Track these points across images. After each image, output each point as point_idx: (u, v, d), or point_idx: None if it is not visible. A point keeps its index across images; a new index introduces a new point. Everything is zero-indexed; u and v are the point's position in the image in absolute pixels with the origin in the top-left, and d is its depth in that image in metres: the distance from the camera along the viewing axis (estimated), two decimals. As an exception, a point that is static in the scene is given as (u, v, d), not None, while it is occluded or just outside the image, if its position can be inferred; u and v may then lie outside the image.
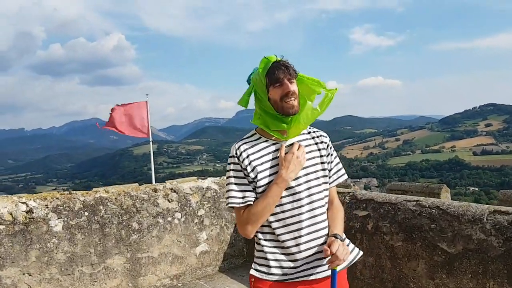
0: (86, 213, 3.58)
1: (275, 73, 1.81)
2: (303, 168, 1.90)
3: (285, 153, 1.88)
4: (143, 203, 3.99)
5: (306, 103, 1.91)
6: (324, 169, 1.97)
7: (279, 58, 1.92)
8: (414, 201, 3.27)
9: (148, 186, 4.23)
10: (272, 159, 1.90)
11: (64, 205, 3.48)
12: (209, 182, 4.67)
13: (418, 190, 9.55)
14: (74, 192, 3.65)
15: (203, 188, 4.53)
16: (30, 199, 3.37)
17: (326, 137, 2.07)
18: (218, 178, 4.88)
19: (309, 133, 2.06)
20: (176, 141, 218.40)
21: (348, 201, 3.86)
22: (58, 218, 3.41)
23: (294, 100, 1.83)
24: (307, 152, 1.93)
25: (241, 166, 1.90)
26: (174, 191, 4.28)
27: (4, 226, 3.14)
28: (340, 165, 2.09)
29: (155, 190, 4.17)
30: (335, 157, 2.08)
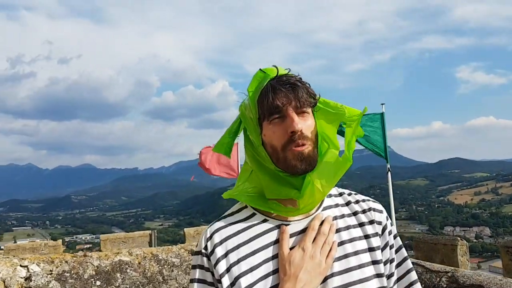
0: (98, 282, 2.92)
1: (272, 96, 1.08)
2: (330, 277, 1.09)
3: (291, 248, 1.10)
4: (172, 270, 3.24)
5: (329, 150, 1.16)
6: (378, 275, 1.11)
7: (283, 71, 1.15)
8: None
9: (184, 247, 3.49)
10: (273, 258, 1.10)
11: (72, 272, 2.87)
12: None
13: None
14: (89, 254, 3.04)
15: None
16: (34, 262, 2.82)
17: (381, 211, 1.22)
18: None
19: (347, 203, 1.23)
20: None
21: (445, 286, 2.71)
22: (62, 288, 2.80)
23: (306, 145, 1.09)
24: (341, 243, 1.13)
25: (212, 275, 1.11)
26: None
27: (-8, 297, 2.60)
28: (409, 263, 1.21)
29: (192, 252, 3.41)
30: (400, 250, 1.21)
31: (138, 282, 3.06)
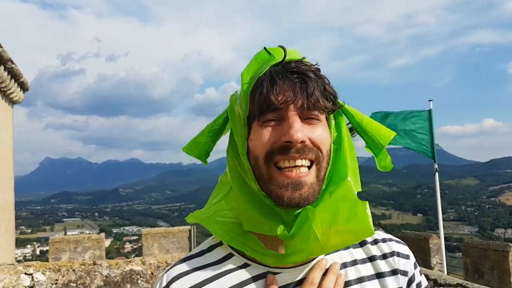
0: (106, 294, 2.73)
1: (267, 87, 0.75)
2: None
3: None
4: (187, 282, 3.00)
5: (344, 184, 0.80)
6: None
7: (293, 54, 0.80)
8: None
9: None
10: None
11: (79, 282, 2.68)
12: None
13: None
14: (100, 262, 2.85)
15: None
16: (39, 270, 2.65)
17: (407, 256, 0.88)
18: None
19: (362, 243, 0.89)
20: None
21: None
22: (67, 300, 2.62)
23: (306, 166, 0.76)
24: None
25: None
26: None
27: (-8, 308, 2.46)
28: None
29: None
30: None
31: (149, 295, 2.84)
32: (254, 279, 0.81)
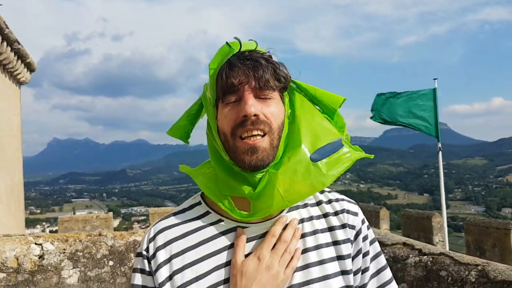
0: (111, 262, 2.90)
1: (226, 73, 0.92)
2: None
3: (247, 256, 0.95)
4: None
5: (298, 150, 0.96)
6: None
7: (248, 46, 0.96)
8: None
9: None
10: (226, 265, 0.95)
11: (85, 251, 2.85)
12: None
13: None
14: (105, 234, 3.01)
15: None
16: (48, 240, 2.82)
17: (355, 213, 1.05)
18: None
19: (318, 203, 1.06)
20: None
21: (473, 280, 2.43)
22: (74, 268, 2.79)
23: (261, 135, 0.92)
24: (305, 250, 0.97)
25: (153, 282, 0.96)
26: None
27: (5, 275, 2.62)
28: (387, 274, 1.04)
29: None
30: (376, 258, 1.04)
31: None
32: (226, 232, 0.97)
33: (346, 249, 0.98)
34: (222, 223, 0.98)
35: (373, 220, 11.23)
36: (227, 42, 0.97)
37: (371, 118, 7.52)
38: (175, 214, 1.03)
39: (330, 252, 0.97)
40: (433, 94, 7.29)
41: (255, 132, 0.90)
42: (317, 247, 0.97)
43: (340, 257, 0.97)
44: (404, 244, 2.74)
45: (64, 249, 2.81)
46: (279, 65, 0.96)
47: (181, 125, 1.07)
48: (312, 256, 0.96)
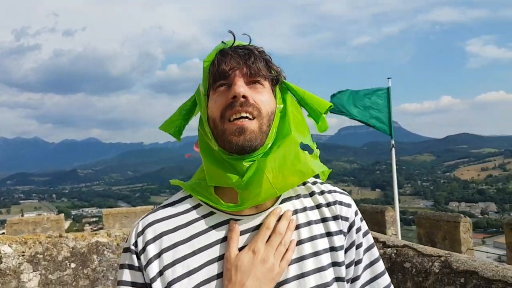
0: (73, 265, 2.79)
1: (218, 59, 0.94)
2: (283, 283, 0.92)
3: (241, 249, 0.92)
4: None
5: (288, 138, 0.96)
6: (338, 279, 0.95)
7: (241, 43, 0.98)
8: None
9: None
10: (219, 259, 0.92)
11: (46, 253, 2.73)
12: None
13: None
14: (66, 235, 2.90)
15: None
16: (6, 243, 2.68)
17: (348, 205, 1.03)
18: None
19: (311, 194, 1.04)
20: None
21: (437, 271, 2.54)
22: (34, 271, 2.66)
23: (250, 118, 0.91)
24: (299, 242, 0.95)
25: (143, 277, 0.92)
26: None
27: (-42, 281, 2.47)
28: (380, 266, 1.03)
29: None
30: (370, 250, 1.03)
31: (115, 264, 2.93)
32: (219, 225, 0.93)
33: (339, 240, 0.96)
34: (214, 215, 0.95)
35: None
36: (222, 41, 0.98)
37: (330, 107, 7.66)
38: (164, 207, 0.98)
39: (323, 243, 0.95)
40: (387, 93, 7.51)
41: (243, 114, 0.89)
42: (311, 238, 0.95)
43: (332, 249, 0.95)
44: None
45: (23, 252, 2.68)
46: (271, 59, 0.98)
47: (174, 121, 1.04)
48: (307, 248, 0.94)
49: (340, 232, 0.97)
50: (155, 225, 0.94)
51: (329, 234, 0.96)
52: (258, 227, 0.94)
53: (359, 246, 1.00)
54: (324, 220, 0.98)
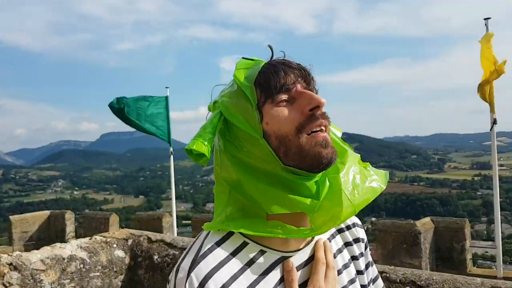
0: None
1: (282, 71, 0.86)
2: None
3: (299, 286, 0.87)
4: None
5: (347, 153, 0.92)
6: None
7: (279, 58, 0.92)
8: None
9: None
10: None
11: None
12: (73, 248, 2.75)
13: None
14: None
15: (64, 259, 2.65)
16: None
17: (361, 225, 1.05)
18: (87, 240, 2.88)
19: None
20: (26, 166, 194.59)
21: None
22: None
23: (328, 131, 0.86)
24: (338, 271, 0.94)
25: None
26: (15, 268, 2.46)
27: None
28: (376, 270, 1.07)
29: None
30: (373, 264, 1.06)
31: None
32: (273, 265, 0.83)
33: (362, 263, 0.98)
34: (266, 254, 0.84)
35: (102, 227, 11.05)
36: (243, 57, 0.91)
37: (109, 106, 7.20)
38: (211, 249, 0.81)
39: (353, 269, 0.95)
40: (166, 101, 7.87)
41: (322, 127, 0.82)
42: (345, 266, 0.94)
43: (359, 272, 0.96)
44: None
45: None
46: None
47: (206, 139, 0.85)
48: (345, 277, 0.92)
49: (361, 254, 0.99)
50: (214, 276, 0.77)
51: (354, 258, 0.97)
52: (308, 261, 0.88)
53: (372, 264, 1.03)
54: (347, 244, 0.98)
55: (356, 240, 0.98)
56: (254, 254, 0.82)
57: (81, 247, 2.77)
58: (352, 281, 0.92)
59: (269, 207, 0.80)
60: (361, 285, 0.94)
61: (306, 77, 0.86)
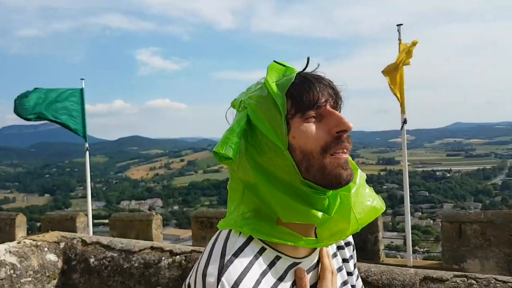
0: None
1: (313, 89, 0.88)
2: None
3: None
4: None
5: (357, 172, 0.97)
6: None
7: (312, 71, 0.94)
8: None
9: None
10: None
11: None
12: (1, 252, 2.49)
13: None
14: None
15: (-8, 265, 2.40)
16: None
17: (352, 240, 1.15)
18: (15, 243, 2.67)
19: None
20: None
21: None
22: None
23: (348, 153, 0.92)
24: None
25: None
26: None
27: None
28: (359, 277, 1.16)
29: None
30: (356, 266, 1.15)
31: None
32: (287, 271, 0.89)
33: (352, 265, 1.06)
34: (281, 260, 0.89)
35: (7, 228, 10.40)
36: (275, 61, 0.92)
37: (15, 110, 6.77)
38: (236, 254, 0.84)
39: (344, 271, 1.03)
40: (81, 94, 7.52)
41: (345, 150, 0.87)
42: (339, 269, 1.02)
43: (349, 273, 1.05)
44: (152, 248, 2.66)
45: None
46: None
47: (234, 142, 0.87)
48: (339, 279, 1.00)
49: (351, 257, 1.08)
50: (243, 280, 0.81)
51: (344, 260, 1.05)
52: (313, 267, 0.95)
53: (356, 265, 1.11)
54: (339, 248, 1.06)
55: (348, 244, 1.07)
56: (272, 258, 0.87)
57: (10, 252, 2.60)
58: (345, 283, 1.01)
59: (283, 215, 0.85)
60: (351, 286, 1.03)
61: (336, 96, 0.89)
